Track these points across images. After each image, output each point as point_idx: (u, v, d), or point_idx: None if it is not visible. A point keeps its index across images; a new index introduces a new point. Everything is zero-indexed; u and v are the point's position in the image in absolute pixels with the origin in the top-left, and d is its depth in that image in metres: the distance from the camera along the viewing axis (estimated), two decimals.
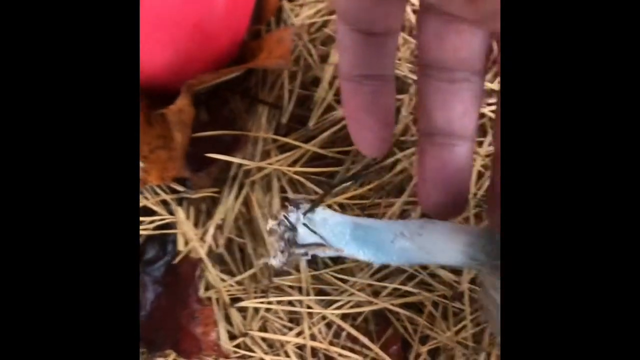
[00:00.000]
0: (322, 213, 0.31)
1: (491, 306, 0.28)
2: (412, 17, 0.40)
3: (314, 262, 0.39)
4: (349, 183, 0.37)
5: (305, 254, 0.31)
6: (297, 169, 0.38)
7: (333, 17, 0.39)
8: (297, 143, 0.39)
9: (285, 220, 0.30)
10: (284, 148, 0.39)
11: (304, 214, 0.30)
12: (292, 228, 0.30)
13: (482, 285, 0.29)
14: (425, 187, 0.30)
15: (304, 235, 0.30)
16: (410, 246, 0.29)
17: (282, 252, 0.31)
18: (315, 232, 0.30)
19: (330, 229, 0.30)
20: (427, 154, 0.29)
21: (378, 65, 0.29)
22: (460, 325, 0.36)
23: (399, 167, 0.38)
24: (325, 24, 0.40)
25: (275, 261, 0.31)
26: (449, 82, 0.28)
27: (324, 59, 0.39)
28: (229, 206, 0.38)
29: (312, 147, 0.38)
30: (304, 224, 0.30)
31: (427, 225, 0.29)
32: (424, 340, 0.37)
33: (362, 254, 0.30)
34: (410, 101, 0.39)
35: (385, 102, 0.30)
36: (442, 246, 0.29)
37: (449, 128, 0.29)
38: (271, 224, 0.31)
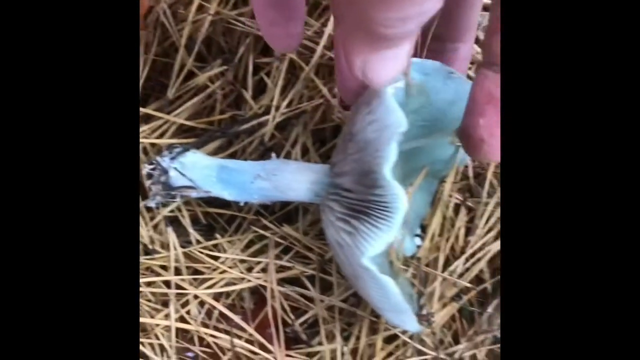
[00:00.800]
0: (192, 157, 0.33)
1: (331, 239, 0.28)
2: None
3: (186, 242, 0.37)
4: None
5: (178, 195, 0.33)
6: (163, 140, 0.36)
7: None
8: (161, 115, 0.36)
9: (158, 164, 0.32)
10: (147, 120, 0.37)
11: (174, 157, 0.32)
12: (165, 171, 0.32)
13: (324, 223, 0.29)
14: (341, 76, 0.28)
15: (175, 178, 0.33)
16: (267, 186, 0.31)
17: (158, 194, 0.33)
18: (185, 176, 0.32)
19: (199, 172, 0.32)
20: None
21: None
22: (334, 299, 0.35)
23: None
24: None
25: (152, 203, 0.34)
26: None
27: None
28: None
29: (177, 118, 0.36)
30: (175, 168, 0.32)
31: (280, 166, 0.31)
32: (301, 315, 0.35)
33: (227, 194, 0.32)
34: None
35: None
36: (293, 185, 0.31)
37: None
38: (147, 168, 0.33)
